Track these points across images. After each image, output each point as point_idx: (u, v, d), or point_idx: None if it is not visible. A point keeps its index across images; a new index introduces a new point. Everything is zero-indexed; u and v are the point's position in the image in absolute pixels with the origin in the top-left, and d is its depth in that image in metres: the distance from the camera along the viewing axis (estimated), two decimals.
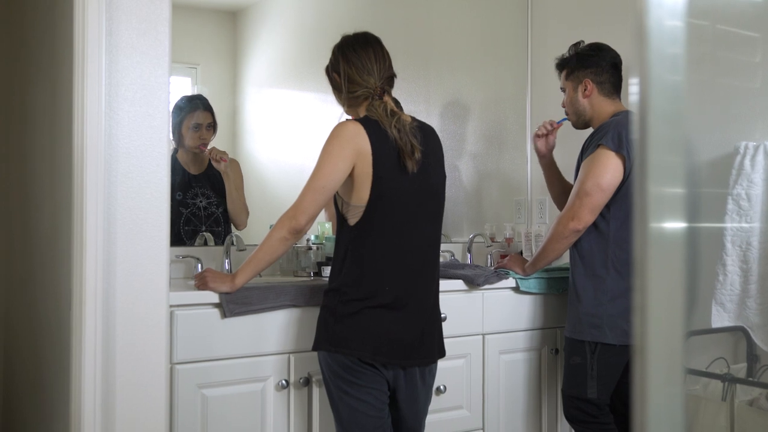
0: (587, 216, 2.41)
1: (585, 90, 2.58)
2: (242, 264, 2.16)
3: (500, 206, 3.53)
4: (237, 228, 2.86)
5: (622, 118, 2.49)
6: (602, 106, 2.57)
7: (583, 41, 2.68)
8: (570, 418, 2.57)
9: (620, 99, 2.63)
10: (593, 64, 2.58)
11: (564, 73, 2.66)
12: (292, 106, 3.07)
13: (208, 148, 2.77)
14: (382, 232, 2.03)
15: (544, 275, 2.78)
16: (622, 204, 2.43)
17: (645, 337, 0.81)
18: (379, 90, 2.10)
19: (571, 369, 2.54)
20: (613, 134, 2.41)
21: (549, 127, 2.78)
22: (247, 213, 2.88)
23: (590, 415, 2.50)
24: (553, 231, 2.51)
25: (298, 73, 3.08)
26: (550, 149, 2.81)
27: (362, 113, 2.11)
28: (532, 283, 2.76)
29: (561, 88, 2.70)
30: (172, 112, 2.75)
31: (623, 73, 2.66)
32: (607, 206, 2.44)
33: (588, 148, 2.50)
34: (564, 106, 2.69)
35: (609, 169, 2.39)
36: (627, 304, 2.39)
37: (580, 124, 2.66)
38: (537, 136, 2.81)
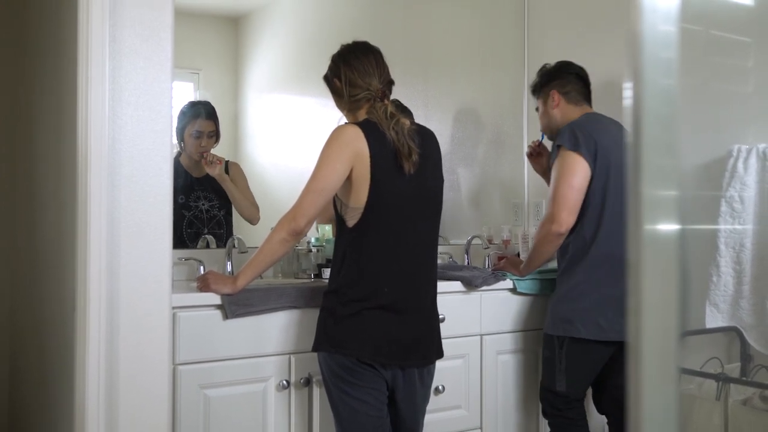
0: (566, 217, 2.46)
1: (553, 101, 2.71)
2: (243, 266, 2.19)
3: (498, 209, 3.56)
4: (251, 224, 2.89)
5: (579, 118, 2.58)
6: (570, 114, 2.67)
7: (548, 63, 2.81)
8: (542, 412, 2.62)
9: (590, 105, 2.73)
10: (557, 77, 2.72)
11: (536, 94, 2.81)
12: (293, 110, 3.10)
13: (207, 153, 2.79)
14: (380, 233, 2.06)
15: (540, 276, 2.81)
16: (591, 201, 2.47)
17: (640, 337, 0.81)
18: (380, 92, 2.13)
19: (543, 362, 2.61)
20: (568, 135, 2.49)
21: (535, 147, 2.94)
22: (257, 208, 2.91)
23: (556, 409, 2.54)
24: (537, 236, 2.58)
25: (299, 78, 3.10)
26: (546, 169, 2.89)
27: (362, 117, 2.14)
28: (528, 285, 2.79)
29: (536, 108, 2.84)
30: (180, 116, 2.77)
31: (591, 80, 2.76)
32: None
33: (552, 153, 2.59)
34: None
35: (575, 167, 2.46)
36: (601, 299, 2.43)
37: (554, 135, 2.74)
38: (528, 156, 2.99)
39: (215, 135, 2.83)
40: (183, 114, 2.79)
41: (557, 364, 2.51)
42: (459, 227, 3.40)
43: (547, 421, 2.64)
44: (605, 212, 2.46)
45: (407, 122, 2.13)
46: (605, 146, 2.46)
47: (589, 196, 2.47)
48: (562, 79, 2.71)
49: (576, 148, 2.45)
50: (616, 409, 2.57)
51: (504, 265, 2.84)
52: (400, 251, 2.08)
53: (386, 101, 2.14)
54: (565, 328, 2.48)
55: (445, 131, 3.36)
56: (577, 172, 2.45)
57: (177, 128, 2.76)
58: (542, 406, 2.63)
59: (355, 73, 2.14)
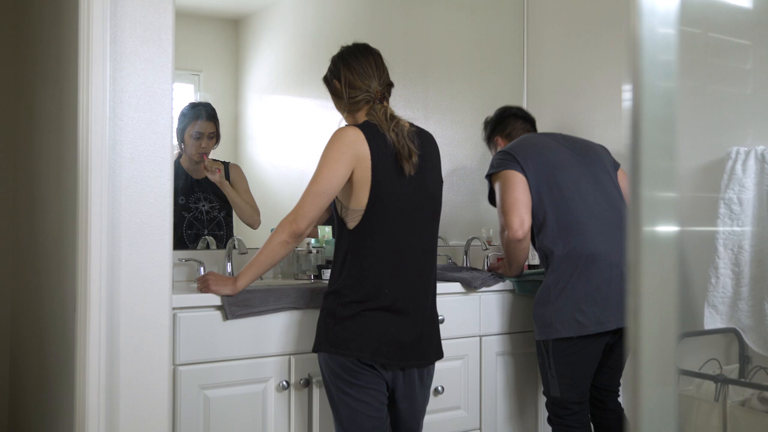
0: (517, 220, 2.53)
1: (500, 146, 2.93)
2: (244, 267, 2.19)
3: (496, 210, 3.57)
4: (252, 227, 2.89)
5: (505, 147, 2.72)
6: None
7: (489, 116, 3.06)
8: (548, 420, 2.63)
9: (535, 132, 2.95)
10: (495, 124, 2.99)
11: (488, 145, 3.07)
12: (293, 112, 3.11)
13: (207, 158, 2.80)
14: (381, 235, 2.06)
15: (541, 278, 2.82)
16: (539, 206, 2.56)
17: (639, 338, 0.81)
18: (379, 94, 2.14)
19: (539, 371, 2.63)
20: (492, 163, 2.67)
21: None
22: (258, 212, 2.91)
23: (557, 416, 2.55)
24: (503, 248, 2.69)
25: (299, 80, 3.11)
26: None
27: (362, 119, 2.14)
28: (528, 286, 2.80)
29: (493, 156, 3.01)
30: (180, 118, 2.78)
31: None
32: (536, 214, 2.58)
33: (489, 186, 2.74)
34: None
35: (507, 179, 2.58)
36: (572, 297, 2.46)
37: None
38: None
39: (215, 136, 2.83)
40: (183, 115, 2.79)
41: (548, 370, 2.53)
42: (458, 228, 3.41)
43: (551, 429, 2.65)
44: (548, 218, 2.54)
45: (407, 124, 2.15)
46: (524, 155, 2.59)
47: (536, 204, 2.56)
48: (502, 123, 2.99)
49: (498, 168, 2.61)
50: (593, 407, 2.61)
51: (499, 265, 2.87)
52: (401, 253, 2.09)
53: (385, 103, 2.15)
54: (547, 332, 2.50)
55: (444, 133, 3.37)
56: (511, 181, 2.56)
57: (177, 129, 2.76)
58: (547, 415, 2.63)
59: (354, 75, 2.15)
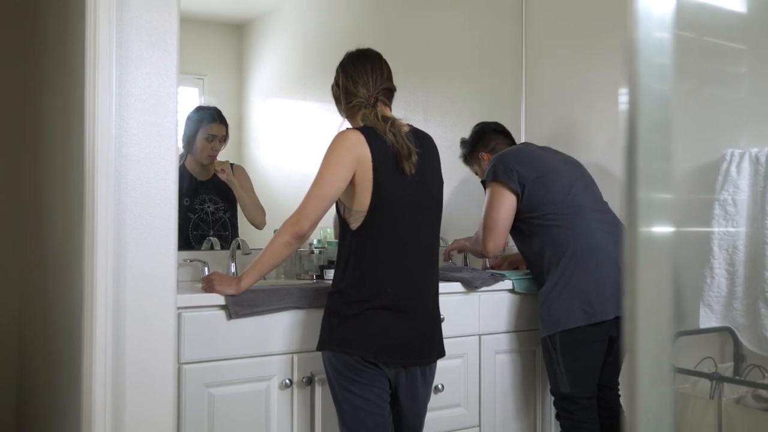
0: (491, 244, 2.69)
1: (483, 161, 2.98)
2: (247, 267, 2.22)
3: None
4: (257, 228, 2.93)
5: (502, 152, 2.78)
6: None
7: (464, 137, 3.12)
8: (555, 416, 2.66)
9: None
10: (478, 141, 3.02)
11: (469, 162, 3.10)
12: (296, 115, 3.13)
13: (216, 160, 2.85)
14: (383, 235, 2.09)
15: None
16: (534, 210, 2.64)
17: (635, 337, 0.82)
18: (372, 99, 2.17)
19: (546, 369, 2.67)
20: (490, 169, 2.71)
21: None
22: (264, 212, 2.95)
23: (566, 411, 2.58)
24: (474, 245, 2.82)
25: (302, 84, 3.14)
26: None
27: (359, 123, 2.18)
28: (526, 284, 2.83)
29: (475, 173, 3.12)
30: (187, 121, 2.81)
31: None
32: (528, 219, 2.66)
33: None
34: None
35: (498, 200, 2.67)
36: (576, 291, 2.53)
37: None
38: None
39: (226, 138, 2.88)
40: (195, 119, 2.83)
41: (556, 366, 2.56)
42: (458, 229, 3.43)
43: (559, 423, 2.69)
44: (546, 218, 2.62)
45: (404, 125, 2.18)
46: (522, 161, 2.68)
47: (533, 208, 2.64)
48: (483, 140, 3.03)
49: (496, 177, 2.67)
50: (601, 409, 2.64)
51: (463, 246, 3.05)
52: (403, 252, 2.12)
53: (380, 106, 2.18)
54: (554, 326, 2.55)
55: (444, 136, 3.40)
56: (500, 196, 2.68)
57: (187, 132, 2.80)
58: (556, 413, 2.66)
59: (349, 81, 2.19)
